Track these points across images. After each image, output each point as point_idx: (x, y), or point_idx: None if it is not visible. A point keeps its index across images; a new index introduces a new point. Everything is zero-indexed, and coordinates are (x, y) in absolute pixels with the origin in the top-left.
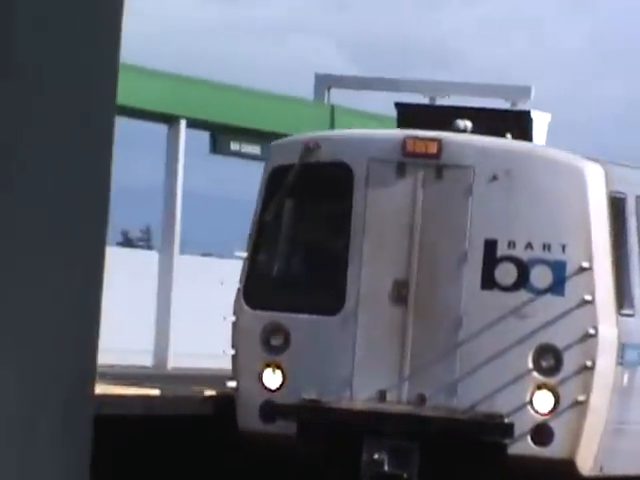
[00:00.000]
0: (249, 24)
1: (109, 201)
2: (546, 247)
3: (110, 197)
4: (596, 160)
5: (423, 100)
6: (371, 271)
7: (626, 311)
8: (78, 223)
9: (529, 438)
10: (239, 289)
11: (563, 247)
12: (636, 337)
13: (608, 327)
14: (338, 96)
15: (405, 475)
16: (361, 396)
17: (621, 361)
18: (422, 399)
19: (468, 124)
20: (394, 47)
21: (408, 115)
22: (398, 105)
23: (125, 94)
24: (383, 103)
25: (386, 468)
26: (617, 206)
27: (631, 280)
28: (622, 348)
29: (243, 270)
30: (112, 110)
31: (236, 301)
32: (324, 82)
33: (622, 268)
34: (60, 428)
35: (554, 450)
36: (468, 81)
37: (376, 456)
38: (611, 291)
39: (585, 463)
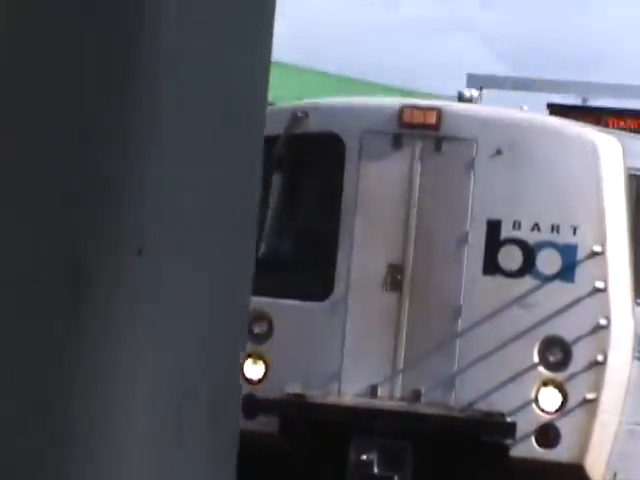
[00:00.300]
0: (401, 25)
1: (257, 198)
2: (555, 229)
3: (258, 193)
4: (611, 133)
5: (575, 101)
6: (363, 254)
7: None
8: (230, 218)
9: (533, 439)
10: None
11: (574, 229)
12: None
13: (622, 318)
14: (491, 96)
15: (396, 477)
16: (350, 391)
17: (638, 355)
18: (417, 395)
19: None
20: (538, 47)
21: (560, 116)
22: (550, 106)
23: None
24: (533, 104)
25: (375, 470)
26: (636, 184)
27: None
28: (639, 341)
29: None
30: (263, 111)
31: None
32: (476, 82)
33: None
34: (208, 424)
35: (561, 453)
36: (621, 83)
37: (365, 456)
38: (627, 278)
39: (595, 468)
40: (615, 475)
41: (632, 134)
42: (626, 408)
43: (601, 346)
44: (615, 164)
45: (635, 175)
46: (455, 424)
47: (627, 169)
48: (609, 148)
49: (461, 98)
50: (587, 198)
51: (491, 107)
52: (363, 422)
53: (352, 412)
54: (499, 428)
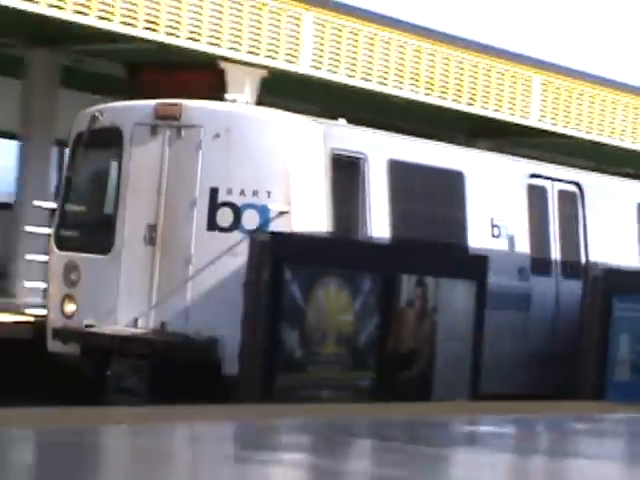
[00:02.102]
0: None
1: None
2: (255, 193)
3: None
4: (321, 122)
5: None
6: (132, 217)
7: None
8: None
9: (237, 360)
10: (50, 234)
11: (268, 193)
12: None
13: None
14: None
15: (138, 389)
16: (122, 322)
17: None
18: (163, 325)
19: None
20: None
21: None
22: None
23: None
24: None
25: (125, 383)
26: (343, 164)
27: (363, 227)
28: None
29: (54, 219)
30: None
31: (49, 244)
32: None
33: (342, 218)
34: None
35: None
36: None
37: (118, 372)
38: (318, 231)
39: None
40: None
41: (345, 122)
42: None
43: None
44: (306, 143)
45: (343, 155)
46: (178, 347)
47: (330, 150)
48: (303, 131)
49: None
50: (278, 169)
51: (221, 102)
52: (118, 346)
53: (113, 338)
54: (212, 350)
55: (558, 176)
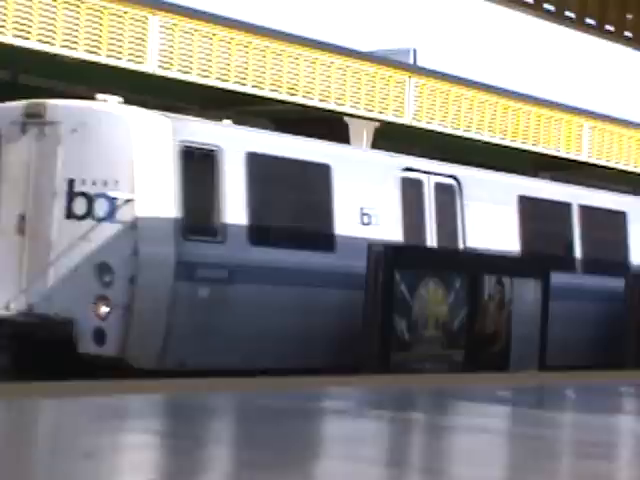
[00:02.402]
0: None
1: None
2: (105, 183)
3: None
4: (171, 116)
5: None
6: (6, 209)
7: (200, 237)
8: None
9: (91, 338)
10: None
11: (116, 183)
12: (214, 259)
13: (154, 248)
14: None
15: (5, 366)
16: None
17: (186, 277)
18: (30, 307)
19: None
20: None
21: None
22: None
23: None
24: None
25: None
26: (195, 155)
27: (218, 215)
28: (185, 266)
29: None
30: None
31: None
32: None
33: (206, 205)
34: None
35: (108, 349)
36: None
37: None
38: (164, 219)
39: (138, 359)
40: (182, 364)
41: (197, 118)
42: (175, 314)
43: (134, 267)
44: (153, 136)
45: (190, 146)
46: (39, 327)
47: (181, 141)
48: (148, 124)
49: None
50: (124, 160)
51: (81, 100)
52: None
53: None
54: (67, 330)
55: (434, 170)
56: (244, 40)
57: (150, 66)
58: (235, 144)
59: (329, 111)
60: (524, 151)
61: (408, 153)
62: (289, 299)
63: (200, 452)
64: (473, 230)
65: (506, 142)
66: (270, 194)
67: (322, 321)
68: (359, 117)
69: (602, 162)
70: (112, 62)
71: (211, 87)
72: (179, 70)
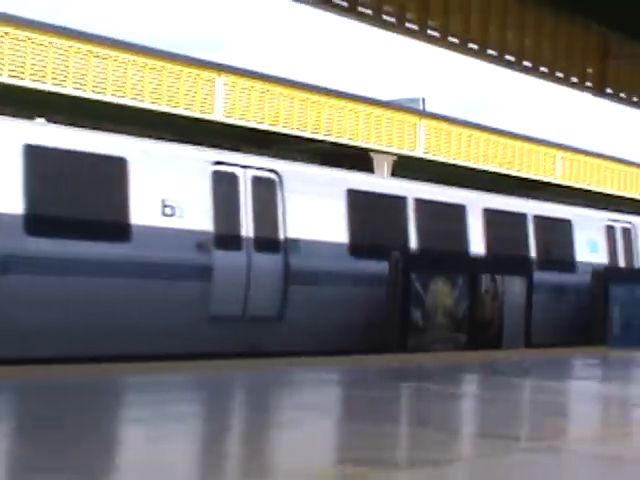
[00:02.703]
0: None
1: None
2: None
3: None
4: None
5: None
6: None
7: None
8: None
9: None
10: None
11: None
12: None
13: None
14: None
15: None
16: None
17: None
18: None
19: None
20: None
21: None
22: None
23: None
24: None
25: None
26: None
27: None
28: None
29: None
30: None
31: None
32: None
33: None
34: None
35: None
36: None
37: None
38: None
39: None
40: None
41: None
42: None
43: None
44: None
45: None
46: None
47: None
48: None
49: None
50: None
51: None
52: None
53: None
54: None
55: (252, 164)
56: (298, 95)
57: (217, 116)
58: (9, 136)
59: (357, 147)
60: (509, 175)
61: (420, 181)
62: (75, 290)
63: None
64: (296, 222)
65: (497, 169)
66: (55, 187)
67: (113, 311)
68: (381, 152)
69: (570, 184)
70: (206, 117)
71: (279, 133)
72: (241, 118)
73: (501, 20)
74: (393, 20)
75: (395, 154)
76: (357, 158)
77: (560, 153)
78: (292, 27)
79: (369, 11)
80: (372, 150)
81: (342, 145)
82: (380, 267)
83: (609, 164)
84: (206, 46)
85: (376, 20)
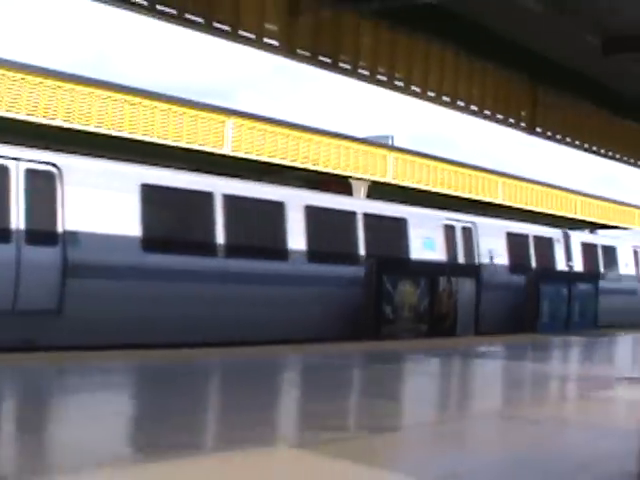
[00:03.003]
0: None
1: None
2: None
3: None
4: None
5: None
6: None
7: None
8: None
9: None
10: None
11: None
12: None
13: None
14: None
15: None
16: None
17: None
18: None
19: None
20: None
21: None
22: None
23: None
24: None
25: None
26: None
27: None
28: None
29: None
30: None
31: None
32: None
33: None
34: None
35: None
36: None
37: None
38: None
39: None
40: None
41: None
42: None
43: None
44: None
45: None
46: None
47: None
48: None
49: None
50: None
51: None
52: None
53: None
54: None
55: (27, 157)
56: (292, 133)
57: (226, 150)
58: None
59: (339, 175)
60: (461, 197)
61: (391, 201)
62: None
63: None
64: (78, 216)
65: (452, 192)
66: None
67: None
68: (358, 179)
69: (510, 204)
70: (217, 151)
71: (276, 164)
72: (246, 152)
73: (454, 72)
74: (348, 67)
75: (369, 180)
76: (339, 184)
77: (501, 179)
78: (286, 78)
79: (328, 60)
80: (351, 177)
81: (327, 173)
82: (177, 262)
83: (541, 188)
84: (218, 94)
85: (334, 67)
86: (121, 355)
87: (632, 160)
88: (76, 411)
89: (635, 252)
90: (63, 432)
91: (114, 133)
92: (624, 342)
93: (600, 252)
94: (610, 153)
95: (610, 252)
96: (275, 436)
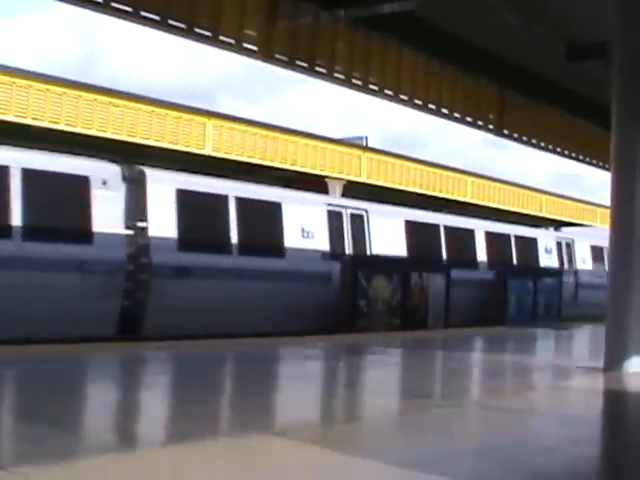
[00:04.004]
0: None
1: None
2: None
3: None
4: None
5: None
6: None
7: None
8: None
9: None
10: None
11: None
12: None
13: None
14: None
15: None
16: None
17: None
18: None
19: None
20: None
21: None
22: None
23: None
24: None
25: None
26: None
27: None
28: None
29: None
30: None
31: None
32: None
33: None
34: None
35: None
36: None
37: None
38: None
39: None
40: None
41: None
42: None
43: None
44: None
45: None
46: None
47: None
48: None
49: None
50: None
51: None
52: None
53: None
54: None
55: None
56: (270, 134)
57: (207, 151)
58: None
59: (315, 174)
60: (432, 196)
61: (366, 200)
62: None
63: None
64: None
65: (423, 191)
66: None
67: None
68: (333, 178)
69: (478, 202)
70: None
71: (255, 164)
72: (226, 153)
73: (425, 77)
74: (324, 71)
75: (345, 179)
76: (315, 183)
77: (470, 178)
78: (264, 82)
79: (305, 64)
80: (327, 176)
81: (304, 173)
82: (50, 250)
83: (508, 187)
84: (198, 96)
85: (311, 71)
86: None
87: (594, 161)
88: None
89: (593, 248)
90: None
91: (100, 134)
92: (585, 334)
93: (551, 248)
94: (573, 154)
95: (568, 248)
96: (221, 429)
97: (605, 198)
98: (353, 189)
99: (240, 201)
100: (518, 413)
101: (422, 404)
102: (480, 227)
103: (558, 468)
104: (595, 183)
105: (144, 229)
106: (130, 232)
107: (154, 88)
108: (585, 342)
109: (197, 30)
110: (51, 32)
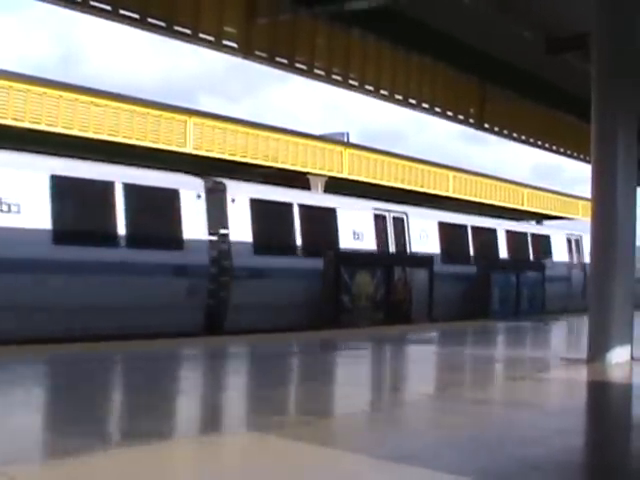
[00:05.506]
0: None
1: None
2: None
3: None
4: None
5: None
6: None
7: None
8: None
9: None
10: None
11: None
12: None
13: None
14: None
15: None
16: None
17: None
18: None
19: None
20: None
21: None
22: None
23: None
24: None
25: None
26: None
27: None
28: None
29: None
30: None
31: None
32: None
33: None
34: None
35: None
36: None
37: None
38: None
39: None
40: None
41: None
42: None
43: None
44: None
45: None
46: None
47: None
48: None
49: None
50: None
51: None
52: None
53: None
54: None
55: None
56: (251, 131)
57: (189, 149)
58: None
59: (297, 171)
60: (414, 191)
61: (341, 194)
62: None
63: None
64: None
65: (405, 186)
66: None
67: None
68: (315, 174)
69: (460, 196)
70: (180, 150)
71: (237, 162)
72: (208, 151)
73: (405, 71)
74: (304, 67)
75: (326, 175)
76: (297, 179)
77: (452, 173)
78: (244, 80)
79: (285, 60)
80: (309, 173)
81: (285, 169)
82: (148, 256)
83: (490, 181)
84: (177, 95)
85: (291, 68)
86: None
87: (575, 153)
88: None
89: (569, 241)
90: None
91: (81, 134)
92: (567, 326)
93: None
94: (554, 147)
95: (576, 244)
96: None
97: (585, 191)
98: (335, 185)
99: (302, 208)
100: (502, 405)
101: (404, 397)
102: (501, 226)
103: (543, 459)
104: (575, 176)
105: (225, 235)
106: (214, 238)
107: (132, 87)
108: (572, 334)
109: (176, 28)
110: (28, 32)
